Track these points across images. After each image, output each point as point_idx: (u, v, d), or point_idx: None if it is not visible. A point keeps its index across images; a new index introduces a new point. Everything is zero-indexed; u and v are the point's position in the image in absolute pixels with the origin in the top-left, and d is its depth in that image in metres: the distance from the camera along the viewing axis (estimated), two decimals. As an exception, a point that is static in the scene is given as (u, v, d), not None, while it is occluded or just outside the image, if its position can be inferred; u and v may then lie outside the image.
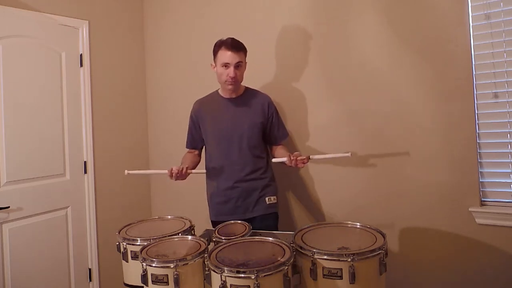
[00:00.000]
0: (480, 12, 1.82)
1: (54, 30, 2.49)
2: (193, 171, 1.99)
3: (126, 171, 1.89)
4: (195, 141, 2.15)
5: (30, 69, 2.35)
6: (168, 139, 2.94)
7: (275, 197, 2.02)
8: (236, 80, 1.93)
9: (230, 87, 1.96)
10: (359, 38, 2.10)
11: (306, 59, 2.27)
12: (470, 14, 1.83)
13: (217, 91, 2.10)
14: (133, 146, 2.98)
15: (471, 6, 1.83)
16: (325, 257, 1.31)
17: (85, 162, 2.65)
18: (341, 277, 1.28)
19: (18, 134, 2.28)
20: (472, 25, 1.83)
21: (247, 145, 1.97)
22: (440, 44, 1.88)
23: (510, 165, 1.80)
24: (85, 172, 2.65)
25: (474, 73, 1.83)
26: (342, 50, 2.16)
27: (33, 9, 2.37)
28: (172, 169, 1.83)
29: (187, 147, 2.19)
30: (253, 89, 2.12)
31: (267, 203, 1.97)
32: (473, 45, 1.84)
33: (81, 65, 2.64)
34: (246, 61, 2.00)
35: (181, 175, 1.85)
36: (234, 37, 1.95)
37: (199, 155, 2.19)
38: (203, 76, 2.70)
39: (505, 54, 1.78)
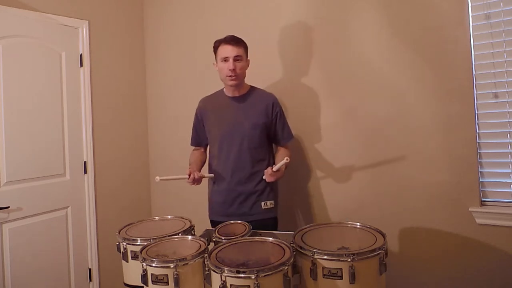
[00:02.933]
0: (480, 12, 1.82)
1: (54, 30, 2.49)
2: (205, 175, 1.96)
3: (157, 178, 1.81)
4: (199, 139, 2.13)
5: (30, 69, 2.35)
6: (168, 139, 2.94)
7: (272, 202, 1.96)
8: (236, 74, 1.89)
9: (231, 82, 1.91)
10: (359, 38, 2.10)
11: (306, 59, 2.27)
12: (470, 14, 1.83)
13: (222, 89, 2.06)
14: (133, 146, 2.98)
15: (471, 6, 1.83)
16: (325, 257, 1.31)
17: (85, 162, 2.65)
18: (341, 277, 1.28)
19: (18, 134, 2.28)
20: (472, 25, 1.83)
21: (248, 146, 1.93)
22: (440, 44, 1.88)
23: (510, 165, 1.80)
24: (85, 172, 2.66)
25: (474, 73, 1.83)
26: (342, 50, 2.16)
27: (33, 9, 2.37)
28: (189, 175, 1.85)
29: (191, 144, 2.17)
30: (258, 88, 2.07)
31: (263, 208, 1.93)
32: (473, 45, 1.83)
33: (81, 65, 2.64)
34: (249, 59, 1.98)
35: (196, 181, 1.87)
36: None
37: (205, 151, 2.16)
38: (203, 76, 2.71)
39: (505, 54, 1.78)
